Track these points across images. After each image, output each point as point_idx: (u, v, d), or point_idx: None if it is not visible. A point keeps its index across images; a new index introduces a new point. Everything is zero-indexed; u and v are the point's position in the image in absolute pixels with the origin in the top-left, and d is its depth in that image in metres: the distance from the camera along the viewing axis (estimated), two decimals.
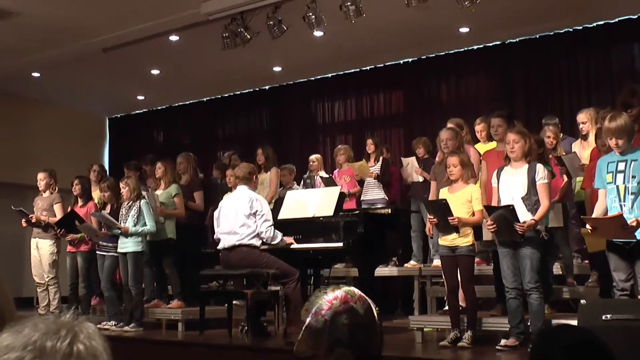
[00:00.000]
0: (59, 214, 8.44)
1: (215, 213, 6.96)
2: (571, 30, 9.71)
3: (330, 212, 6.71)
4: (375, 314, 2.19)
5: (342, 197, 7.03)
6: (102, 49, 10.08)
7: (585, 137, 6.79)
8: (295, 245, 6.72)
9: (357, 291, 2.20)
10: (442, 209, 5.77)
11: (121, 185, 7.68)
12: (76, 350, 1.29)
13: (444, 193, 6.02)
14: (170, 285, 8.19)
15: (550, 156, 6.60)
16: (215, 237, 6.99)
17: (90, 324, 1.37)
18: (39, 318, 1.34)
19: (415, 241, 8.55)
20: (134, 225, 7.45)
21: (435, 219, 5.88)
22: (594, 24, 9.51)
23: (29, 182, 9.12)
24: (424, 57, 10.94)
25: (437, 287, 7.75)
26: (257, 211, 6.55)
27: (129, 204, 7.57)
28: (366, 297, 2.20)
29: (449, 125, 7.21)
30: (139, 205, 7.52)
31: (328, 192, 7.15)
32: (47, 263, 8.49)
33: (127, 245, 7.50)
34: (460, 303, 6.00)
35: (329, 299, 2.14)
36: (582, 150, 6.63)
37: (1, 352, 1.25)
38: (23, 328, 1.30)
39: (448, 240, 5.84)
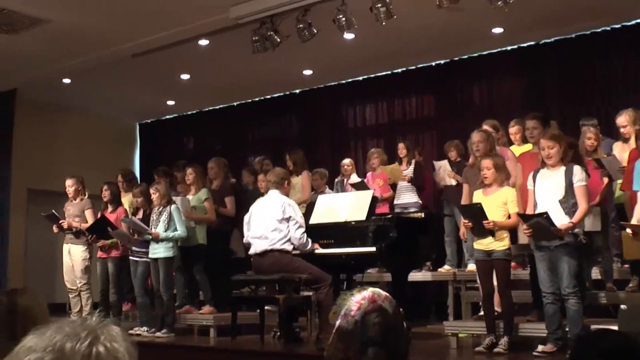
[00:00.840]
0: (90, 220, 8.46)
1: (246, 217, 6.92)
2: (608, 29, 9.47)
3: (362, 216, 6.62)
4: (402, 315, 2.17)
5: (374, 201, 6.95)
6: (132, 55, 10.11)
7: (626, 140, 6.60)
8: (327, 250, 6.64)
9: (382, 292, 2.19)
10: (476, 213, 5.66)
11: (151, 191, 7.68)
12: (95, 351, 1.29)
13: (478, 196, 5.90)
14: (202, 291, 8.16)
15: (590, 158, 6.46)
16: (244, 241, 6.95)
17: (115, 326, 1.38)
18: (65, 321, 1.35)
19: (449, 246, 8.42)
20: (165, 231, 7.44)
21: (469, 223, 5.77)
22: (633, 22, 9.27)
23: (60, 188, 9.14)
24: (456, 59, 10.81)
25: (472, 292, 7.64)
26: (290, 217, 6.52)
27: (160, 209, 7.57)
28: (392, 298, 2.18)
29: (484, 126, 7.09)
30: (170, 210, 7.51)
31: (360, 196, 7.06)
32: (79, 269, 8.51)
33: (158, 251, 7.49)
34: (495, 308, 5.89)
35: (357, 299, 2.12)
36: (623, 152, 6.44)
37: (24, 354, 1.28)
38: (47, 330, 1.32)
39: (484, 244, 5.72)
